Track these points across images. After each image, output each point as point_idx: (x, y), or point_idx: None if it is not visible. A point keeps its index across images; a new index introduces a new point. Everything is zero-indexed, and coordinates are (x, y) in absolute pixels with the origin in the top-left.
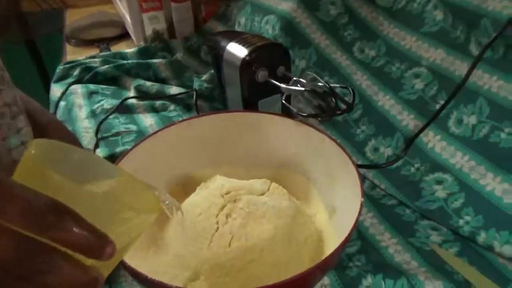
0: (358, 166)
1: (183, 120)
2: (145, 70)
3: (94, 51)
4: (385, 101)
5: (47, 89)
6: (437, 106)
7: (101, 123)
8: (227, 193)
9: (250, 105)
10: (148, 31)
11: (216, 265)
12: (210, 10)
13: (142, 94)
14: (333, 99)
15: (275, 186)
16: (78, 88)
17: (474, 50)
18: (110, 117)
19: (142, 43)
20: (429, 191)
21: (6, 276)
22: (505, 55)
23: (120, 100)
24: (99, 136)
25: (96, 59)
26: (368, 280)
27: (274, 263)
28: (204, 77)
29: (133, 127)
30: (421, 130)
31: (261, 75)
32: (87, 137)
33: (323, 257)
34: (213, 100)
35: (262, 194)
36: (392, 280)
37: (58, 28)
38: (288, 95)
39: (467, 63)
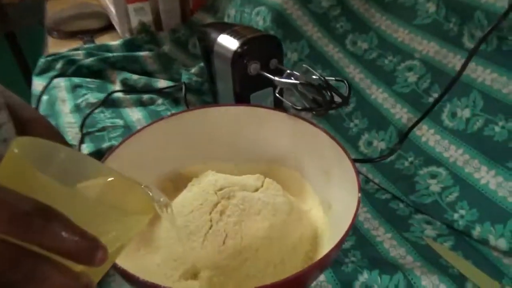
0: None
1: (172, 115)
2: (131, 63)
3: (77, 44)
4: (378, 95)
5: (29, 83)
6: (430, 99)
7: (86, 117)
8: (220, 190)
9: (241, 98)
10: (134, 23)
11: (210, 264)
12: (198, 1)
13: (128, 88)
14: (328, 92)
15: (269, 182)
16: (61, 82)
17: (468, 42)
18: (96, 111)
19: (127, 35)
20: (423, 185)
21: None
22: (499, 47)
23: (106, 94)
24: (84, 131)
25: (79, 52)
26: (364, 276)
27: (269, 261)
28: (193, 70)
29: (119, 122)
30: (416, 123)
31: (253, 67)
32: (71, 133)
33: (319, 254)
34: (202, 94)
35: (256, 190)
36: (388, 275)
37: (39, 19)
38: (281, 88)
39: (460, 55)
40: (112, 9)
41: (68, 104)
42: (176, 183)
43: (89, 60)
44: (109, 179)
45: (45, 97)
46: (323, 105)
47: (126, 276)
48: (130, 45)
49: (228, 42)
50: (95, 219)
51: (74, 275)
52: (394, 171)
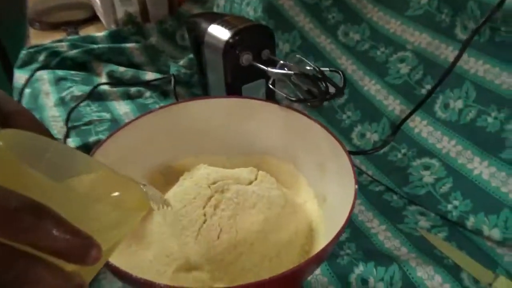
0: None
1: (161, 107)
2: (118, 55)
3: (60, 35)
4: (371, 86)
5: (10, 76)
6: (423, 91)
7: (71, 111)
8: (213, 183)
9: (233, 90)
10: (120, 14)
11: (204, 259)
12: None
13: (115, 80)
14: (323, 83)
15: (263, 175)
16: (44, 74)
17: (460, 34)
18: (81, 104)
19: (113, 27)
20: (417, 177)
21: None
22: (491, 38)
23: (92, 87)
24: (69, 125)
25: (63, 43)
26: (359, 268)
27: (265, 255)
28: (182, 62)
29: (106, 115)
30: (409, 115)
31: (246, 58)
32: (56, 127)
33: (315, 247)
34: (192, 87)
35: (250, 183)
36: (383, 267)
37: (20, 10)
38: (273, 80)
39: (453, 47)
40: None
41: (52, 97)
42: (167, 177)
43: (73, 52)
44: (101, 174)
45: (27, 90)
46: (318, 96)
47: (119, 273)
48: (116, 36)
49: (219, 32)
50: (87, 216)
51: (66, 276)
52: (387, 163)
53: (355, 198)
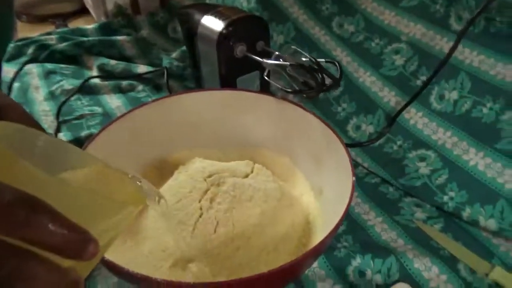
0: None
1: (154, 100)
2: (108, 48)
3: (49, 28)
4: (366, 78)
5: None
6: (418, 82)
7: (61, 105)
8: (209, 176)
9: (227, 83)
10: (110, 6)
11: (201, 253)
12: None
13: (106, 74)
14: (319, 74)
15: (259, 168)
16: (33, 68)
17: (455, 24)
18: (72, 98)
19: (103, 19)
20: (413, 168)
21: None
22: (486, 29)
23: (82, 80)
24: (60, 119)
25: (52, 36)
26: (357, 261)
27: (262, 248)
28: (174, 54)
29: (98, 109)
30: (404, 107)
31: (240, 50)
32: (46, 121)
33: (312, 240)
34: (185, 79)
35: (246, 176)
36: (381, 259)
37: (7, 2)
38: (268, 71)
39: (447, 37)
40: None
41: (42, 91)
42: (161, 171)
43: (62, 45)
44: (94, 168)
45: (16, 84)
46: (315, 87)
47: (114, 268)
48: (106, 29)
49: (213, 23)
50: (83, 210)
51: (62, 272)
52: (383, 154)
53: (352, 190)
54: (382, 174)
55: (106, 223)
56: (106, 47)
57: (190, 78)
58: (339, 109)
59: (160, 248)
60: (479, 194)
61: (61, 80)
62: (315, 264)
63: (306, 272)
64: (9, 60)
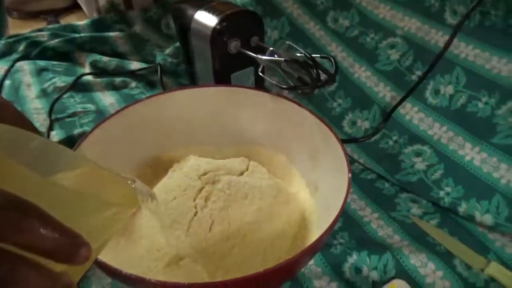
0: None
1: (148, 97)
2: (101, 44)
3: (40, 24)
4: (361, 73)
5: None
6: (413, 77)
7: (54, 102)
8: (204, 175)
9: (221, 79)
10: (102, 1)
11: (196, 252)
12: None
13: (99, 71)
14: (314, 70)
15: (254, 165)
16: (24, 65)
17: (450, 18)
18: (64, 96)
19: (95, 15)
20: (408, 164)
21: None
22: (481, 23)
23: (75, 78)
24: (52, 117)
25: (43, 33)
26: (353, 257)
27: (258, 246)
28: (168, 51)
29: (91, 107)
30: (400, 102)
31: (234, 45)
32: (38, 119)
33: (308, 237)
34: (179, 76)
35: (241, 174)
36: (377, 255)
37: None
38: (263, 67)
39: (443, 32)
40: None
41: (34, 89)
42: (155, 170)
43: (54, 42)
44: (87, 170)
45: (7, 82)
46: (310, 83)
47: (108, 270)
48: (98, 25)
49: (206, 18)
50: (75, 213)
51: (54, 276)
52: (378, 150)
53: (348, 187)
54: (378, 170)
55: (98, 226)
56: (99, 44)
57: (184, 75)
58: (335, 104)
59: (155, 248)
60: (475, 189)
61: (53, 77)
62: (311, 262)
63: (302, 269)
64: (0, 57)
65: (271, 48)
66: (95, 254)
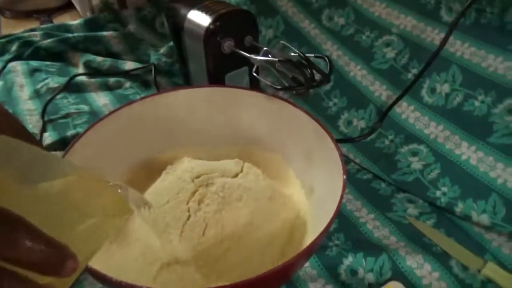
0: None
1: (142, 98)
2: (95, 44)
3: (33, 24)
4: (357, 72)
5: None
6: (409, 75)
7: (47, 104)
8: (197, 177)
9: (216, 79)
10: (95, 0)
11: (190, 256)
12: None
13: (92, 71)
14: (309, 70)
15: (249, 166)
16: (17, 66)
17: (445, 16)
18: (58, 97)
19: (88, 14)
20: (405, 163)
21: None
22: (477, 20)
23: (68, 78)
24: (45, 118)
25: (36, 33)
26: (349, 259)
27: (252, 249)
28: (162, 50)
29: (84, 108)
30: (396, 101)
31: (227, 45)
32: (31, 120)
33: (304, 239)
34: (173, 76)
35: (236, 175)
36: (373, 257)
37: None
38: (257, 67)
39: (438, 29)
40: None
41: (27, 90)
42: (149, 171)
43: (47, 42)
44: (75, 178)
45: (0, 83)
46: (304, 83)
47: (98, 276)
48: (92, 24)
49: (199, 18)
50: (62, 224)
51: None
52: (375, 150)
53: (343, 189)
54: (374, 170)
55: (86, 236)
56: (92, 43)
57: (178, 74)
58: (330, 104)
59: (148, 252)
60: (472, 189)
61: (46, 78)
62: (306, 264)
63: (298, 272)
64: None
65: (265, 48)
66: (83, 265)
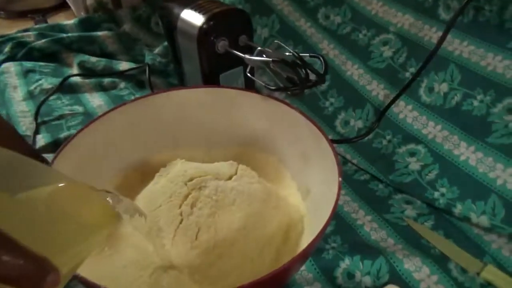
0: None
1: (136, 99)
2: (89, 44)
3: (28, 24)
4: (354, 71)
5: None
6: (407, 74)
7: (40, 105)
8: (190, 180)
9: (210, 79)
10: (90, 0)
11: (182, 262)
12: None
13: (87, 71)
14: (303, 70)
15: (243, 168)
16: (10, 67)
17: (443, 14)
18: (51, 98)
19: (83, 14)
20: (403, 164)
21: None
22: (475, 18)
23: (62, 79)
24: (39, 120)
25: (30, 33)
26: (345, 262)
27: (246, 255)
28: (157, 50)
29: (78, 109)
30: (393, 100)
31: (221, 45)
32: (25, 122)
33: (300, 242)
34: (168, 76)
35: (230, 178)
36: (370, 260)
37: None
38: (252, 67)
39: (436, 27)
40: None
41: (20, 91)
42: (143, 174)
43: (41, 42)
44: (60, 186)
45: None
46: (299, 84)
47: (87, 285)
48: (86, 24)
49: (193, 17)
50: (44, 235)
51: None
52: (372, 150)
53: (339, 192)
54: (371, 171)
55: (70, 247)
56: (87, 43)
57: (173, 74)
58: (327, 103)
59: (140, 257)
60: (471, 190)
61: (40, 79)
62: (302, 267)
63: (294, 276)
64: None
65: (259, 48)
66: (68, 276)
